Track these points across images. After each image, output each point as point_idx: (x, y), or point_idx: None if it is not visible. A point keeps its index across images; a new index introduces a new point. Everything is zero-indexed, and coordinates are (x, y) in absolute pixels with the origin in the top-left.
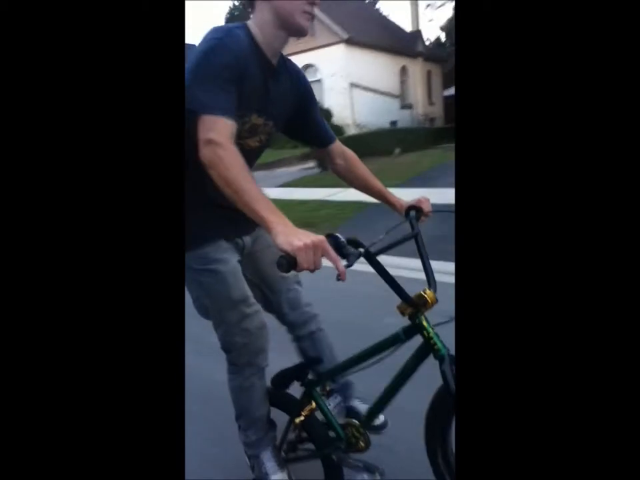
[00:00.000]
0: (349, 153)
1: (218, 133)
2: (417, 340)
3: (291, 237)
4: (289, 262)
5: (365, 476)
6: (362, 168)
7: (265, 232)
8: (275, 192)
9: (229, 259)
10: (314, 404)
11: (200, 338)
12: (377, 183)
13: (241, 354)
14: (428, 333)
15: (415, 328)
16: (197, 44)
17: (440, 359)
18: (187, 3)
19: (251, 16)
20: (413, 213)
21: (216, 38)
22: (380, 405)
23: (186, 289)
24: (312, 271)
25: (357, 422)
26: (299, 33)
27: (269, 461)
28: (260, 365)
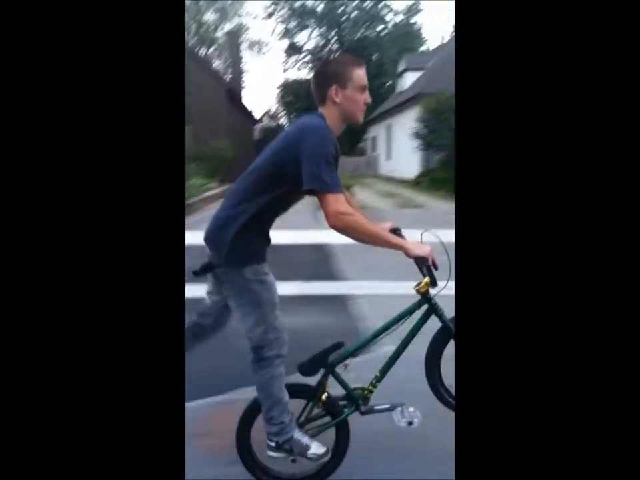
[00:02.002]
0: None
1: (343, 205)
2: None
3: (419, 249)
4: (427, 266)
5: (401, 417)
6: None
7: None
8: None
9: (270, 274)
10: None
11: None
12: None
13: (272, 348)
14: (437, 307)
15: (425, 301)
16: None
17: (440, 315)
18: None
19: (320, 108)
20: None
21: (322, 130)
22: (387, 368)
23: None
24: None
25: (365, 386)
26: (357, 124)
27: (302, 438)
28: (285, 355)
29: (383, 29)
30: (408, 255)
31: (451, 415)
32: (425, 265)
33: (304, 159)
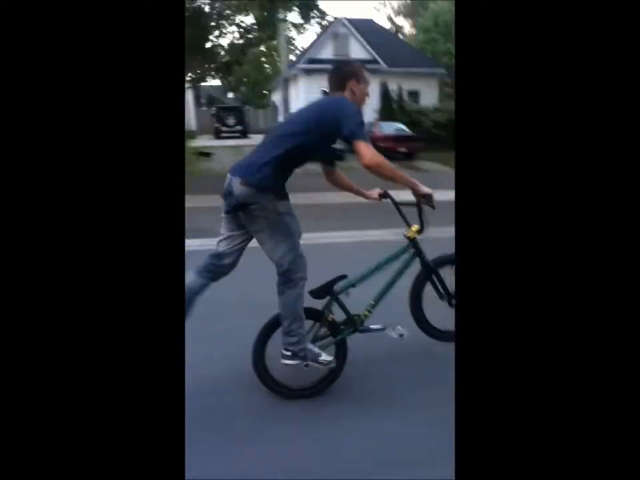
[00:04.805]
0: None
1: (373, 150)
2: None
3: (427, 188)
4: (431, 201)
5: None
6: (344, 176)
7: None
8: None
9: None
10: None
11: None
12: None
13: (298, 270)
14: (420, 250)
15: (412, 245)
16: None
17: (422, 258)
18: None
19: (335, 93)
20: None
21: (352, 105)
22: (379, 297)
23: (265, 229)
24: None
25: (361, 313)
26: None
27: (314, 348)
28: (306, 277)
29: None
30: (419, 191)
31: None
32: (430, 200)
33: (344, 118)
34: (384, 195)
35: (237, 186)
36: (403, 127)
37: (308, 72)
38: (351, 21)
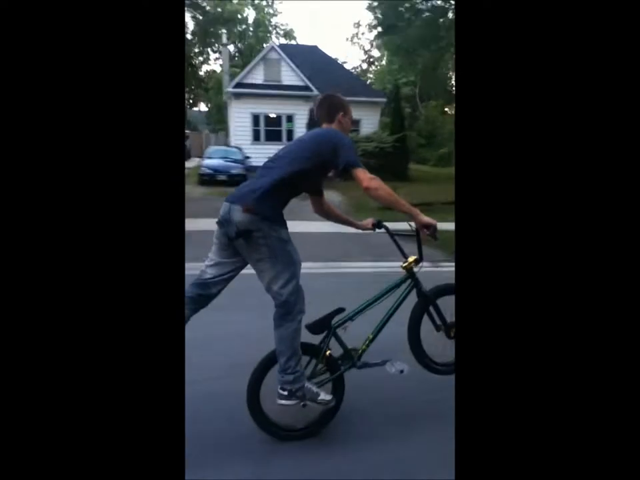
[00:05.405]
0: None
1: (370, 175)
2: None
3: (428, 218)
4: (434, 232)
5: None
6: (333, 206)
7: None
8: None
9: None
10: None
11: None
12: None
13: (297, 303)
14: (417, 281)
15: (410, 276)
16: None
17: (419, 289)
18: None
19: (325, 125)
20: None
21: (346, 136)
22: (377, 331)
23: (266, 257)
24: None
25: (358, 347)
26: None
27: (313, 386)
28: (304, 311)
29: None
30: (419, 220)
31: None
32: (432, 230)
33: (341, 147)
34: (377, 225)
35: (239, 213)
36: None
37: (237, 96)
38: (291, 46)
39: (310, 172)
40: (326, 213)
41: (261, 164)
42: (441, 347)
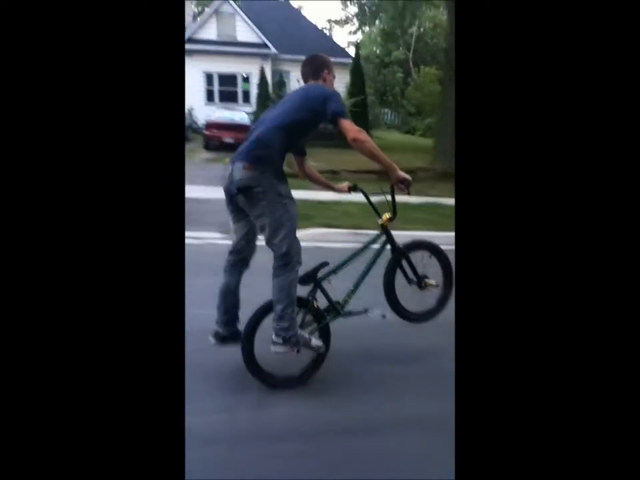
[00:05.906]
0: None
1: (356, 127)
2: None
3: (404, 173)
4: (408, 185)
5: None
6: (314, 169)
7: None
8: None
9: None
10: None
11: None
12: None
13: (294, 254)
14: (391, 236)
15: (384, 233)
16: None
17: (393, 244)
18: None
19: (312, 81)
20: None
21: (334, 91)
22: (357, 284)
23: (265, 213)
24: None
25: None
26: None
27: (305, 334)
28: (301, 262)
29: None
30: (396, 175)
31: None
32: (407, 185)
33: (329, 98)
34: (353, 188)
35: (239, 171)
36: (245, 116)
37: (188, 52)
38: (256, 1)
39: (302, 122)
40: (308, 175)
41: None
42: (413, 297)
